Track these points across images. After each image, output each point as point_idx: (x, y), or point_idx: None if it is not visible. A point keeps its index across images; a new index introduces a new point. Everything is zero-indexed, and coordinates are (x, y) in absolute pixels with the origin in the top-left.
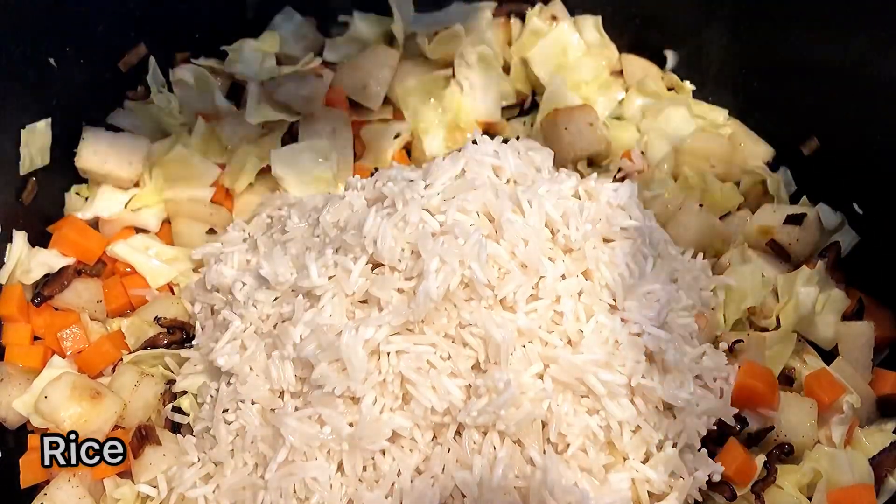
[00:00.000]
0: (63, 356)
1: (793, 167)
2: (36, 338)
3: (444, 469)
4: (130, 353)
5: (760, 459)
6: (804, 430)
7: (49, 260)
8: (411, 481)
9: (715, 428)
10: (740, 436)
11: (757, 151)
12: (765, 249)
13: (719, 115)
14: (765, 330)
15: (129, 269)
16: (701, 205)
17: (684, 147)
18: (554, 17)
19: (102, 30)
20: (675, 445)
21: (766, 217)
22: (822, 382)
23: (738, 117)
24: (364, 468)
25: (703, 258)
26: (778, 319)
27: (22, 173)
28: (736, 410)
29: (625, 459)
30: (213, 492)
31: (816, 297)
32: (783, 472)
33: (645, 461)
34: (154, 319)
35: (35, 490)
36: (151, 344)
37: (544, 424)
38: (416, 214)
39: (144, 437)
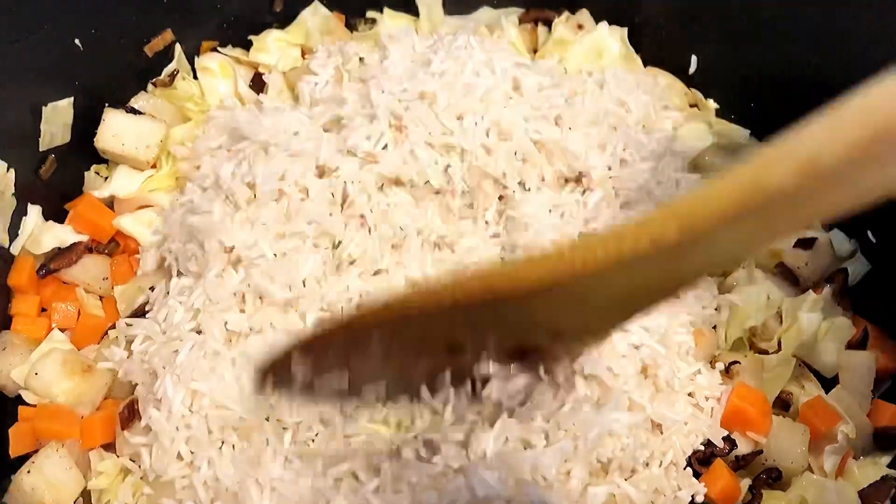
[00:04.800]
0: (62, 329)
1: None
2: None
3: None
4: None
5: (746, 483)
6: (794, 456)
7: (62, 235)
8: None
9: (703, 448)
10: (727, 458)
11: None
12: (773, 272)
13: (740, 134)
14: (765, 352)
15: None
16: None
17: (698, 162)
18: (580, 27)
19: (130, 14)
20: (660, 464)
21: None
22: (818, 410)
23: (759, 138)
24: None
25: (710, 276)
26: (780, 343)
27: (42, 149)
28: (725, 432)
29: (606, 474)
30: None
31: (820, 324)
32: (769, 499)
33: (629, 478)
34: (150, 290)
35: (24, 459)
36: (141, 312)
37: None
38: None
39: (135, 411)
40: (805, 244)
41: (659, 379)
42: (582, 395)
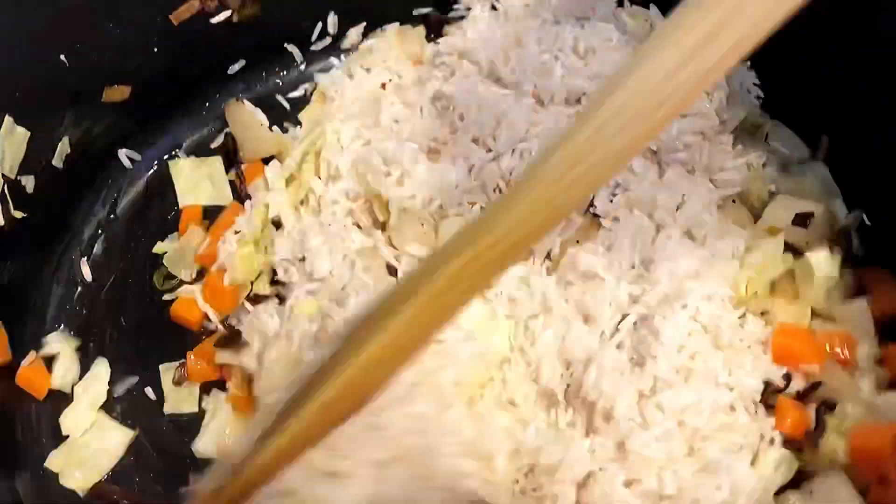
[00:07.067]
0: None
1: None
2: None
3: None
4: None
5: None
6: (843, 385)
7: None
8: None
9: (763, 387)
10: (788, 394)
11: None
12: None
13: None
14: None
15: None
16: (734, 200)
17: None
18: None
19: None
20: (738, 417)
21: (776, 215)
22: (834, 338)
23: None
24: None
25: None
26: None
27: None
28: (784, 370)
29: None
30: None
31: (830, 264)
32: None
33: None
34: None
35: None
36: None
37: None
38: None
39: None
40: (802, 220)
41: (722, 338)
42: (665, 377)
